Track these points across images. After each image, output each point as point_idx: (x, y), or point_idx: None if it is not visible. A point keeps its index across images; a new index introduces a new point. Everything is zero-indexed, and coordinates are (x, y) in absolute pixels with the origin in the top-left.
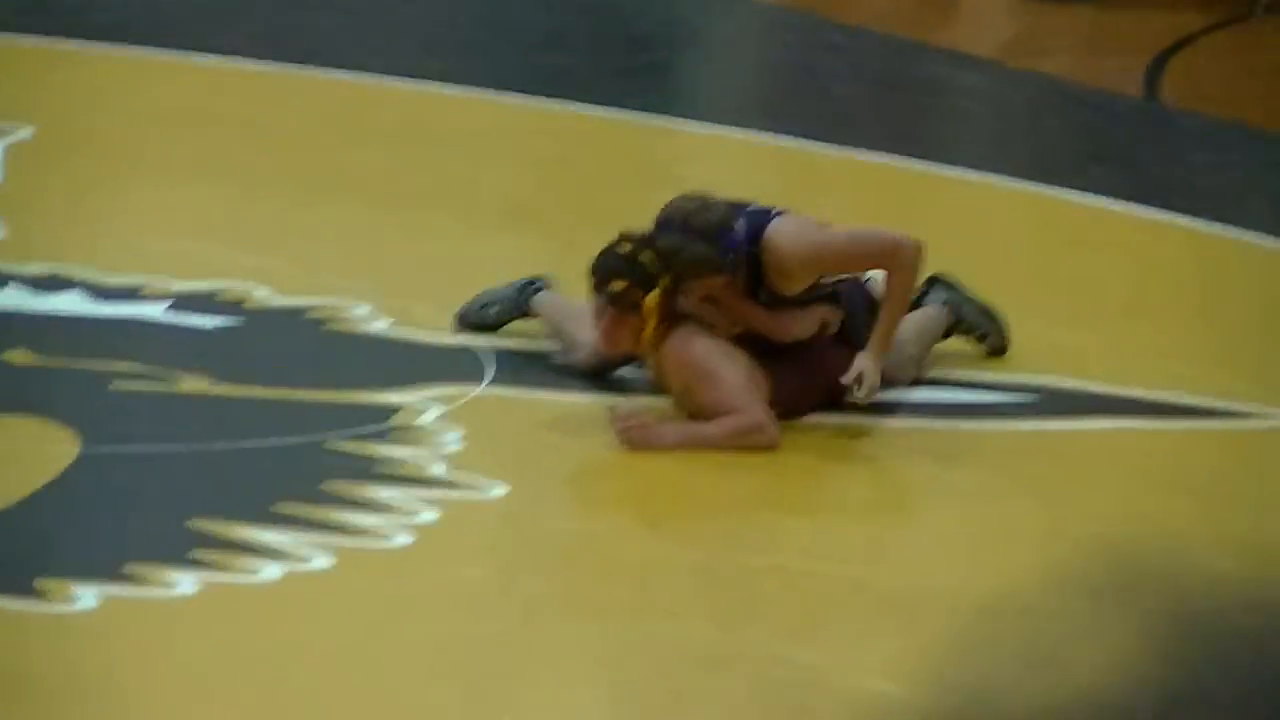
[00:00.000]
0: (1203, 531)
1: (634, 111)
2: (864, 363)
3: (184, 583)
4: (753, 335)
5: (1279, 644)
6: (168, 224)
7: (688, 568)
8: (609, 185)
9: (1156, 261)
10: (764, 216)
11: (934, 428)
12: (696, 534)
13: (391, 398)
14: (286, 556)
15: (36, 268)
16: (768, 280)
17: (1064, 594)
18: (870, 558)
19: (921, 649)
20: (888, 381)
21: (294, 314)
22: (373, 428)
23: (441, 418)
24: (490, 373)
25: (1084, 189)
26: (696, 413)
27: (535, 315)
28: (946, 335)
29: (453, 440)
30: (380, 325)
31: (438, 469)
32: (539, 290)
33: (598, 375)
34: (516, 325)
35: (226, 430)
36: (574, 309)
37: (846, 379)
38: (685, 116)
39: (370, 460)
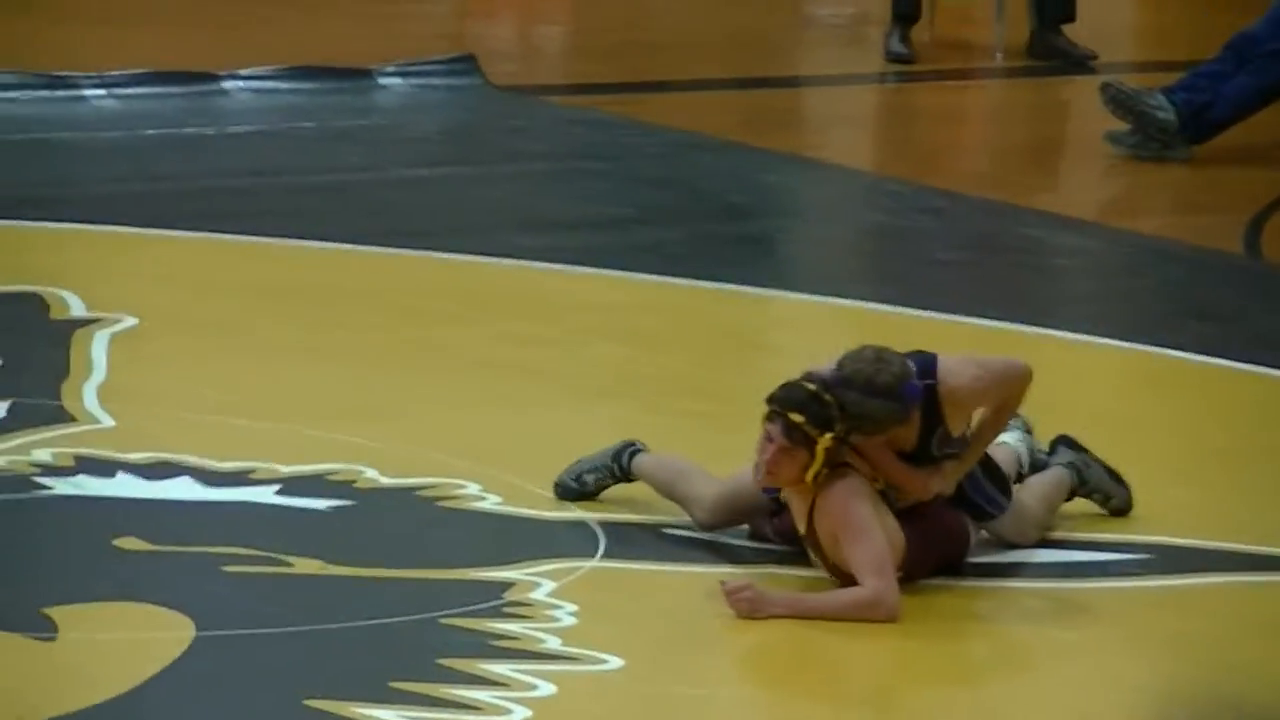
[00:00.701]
0: None
1: (732, 285)
2: (947, 466)
3: None
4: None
5: None
6: (273, 406)
7: None
8: (709, 356)
9: (1261, 416)
10: (929, 356)
11: (1053, 589)
12: (815, 700)
13: (504, 574)
14: None
15: (145, 455)
16: (943, 418)
17: None
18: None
19: None
20: (1010, 543)
21: (404, 493)
22: (486, 604)
23: (554, 592)
24: (602, 546)
25: (1185, 347)
26: (834, 560)
27: (637, 479)
28: (1070, 497)
29: (567, 614)
30: (490, 502)
31: (553, 643)
32: (636, 453)
33: (714, 530)
34: (624, 495)
35: (340, 611)
36: (683, 467)
37: (924, 483)
38: (783, 287)
39: (485, 636)
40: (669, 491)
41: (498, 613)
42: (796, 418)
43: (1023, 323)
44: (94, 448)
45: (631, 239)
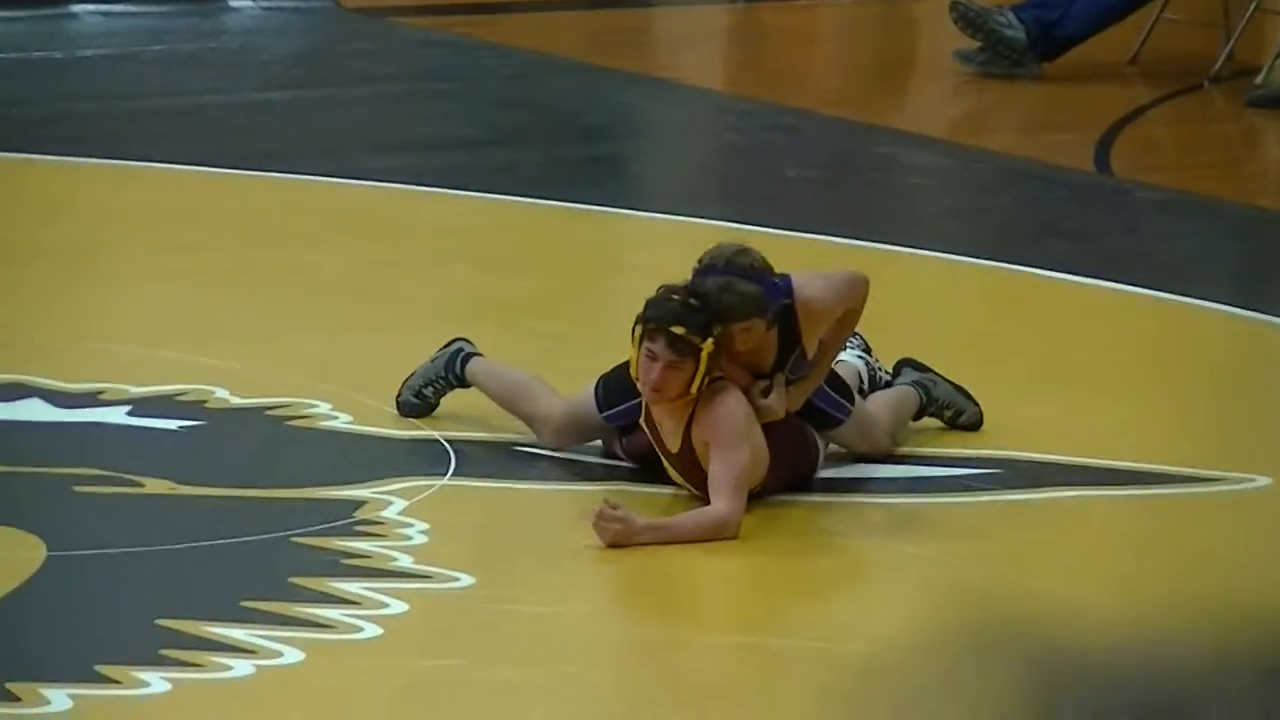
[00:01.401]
0: (1162, 592)
1: (585, 205)
2: (780, 381)
3: (156, 682)
4: None
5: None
6: (124, 328)
7: (656, 648)
8: (563, 277)
9: (1114, 333)
10: (784, 276)
11: (901, 503)
12: (662, 615)
13: (355, 492)
14: (257, 653)
15: None
16: (799, 338)
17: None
18: (825, 634)
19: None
20: (859, 455)
21: (254, 413)
22: (337, 523)
23: (405, 510)
24: (453, 464)
25: (1037, 264)
26: (698, 472)
27: (472, 385)
28: (919, 416)
29: (418, 532)
30: (340, 421)
31: (404, 561)
32: (468, 358)
33: (561, 450)
34: (474, 412)
35: (191, 531)
36: (521, 380)
37: (757, 388)
38: (636, 208)
39: (336, 554)
40: (512, 408)
41: (349, 531)
42: (678, 329)
43: (876, 241)
44: None
45: (484, 160)
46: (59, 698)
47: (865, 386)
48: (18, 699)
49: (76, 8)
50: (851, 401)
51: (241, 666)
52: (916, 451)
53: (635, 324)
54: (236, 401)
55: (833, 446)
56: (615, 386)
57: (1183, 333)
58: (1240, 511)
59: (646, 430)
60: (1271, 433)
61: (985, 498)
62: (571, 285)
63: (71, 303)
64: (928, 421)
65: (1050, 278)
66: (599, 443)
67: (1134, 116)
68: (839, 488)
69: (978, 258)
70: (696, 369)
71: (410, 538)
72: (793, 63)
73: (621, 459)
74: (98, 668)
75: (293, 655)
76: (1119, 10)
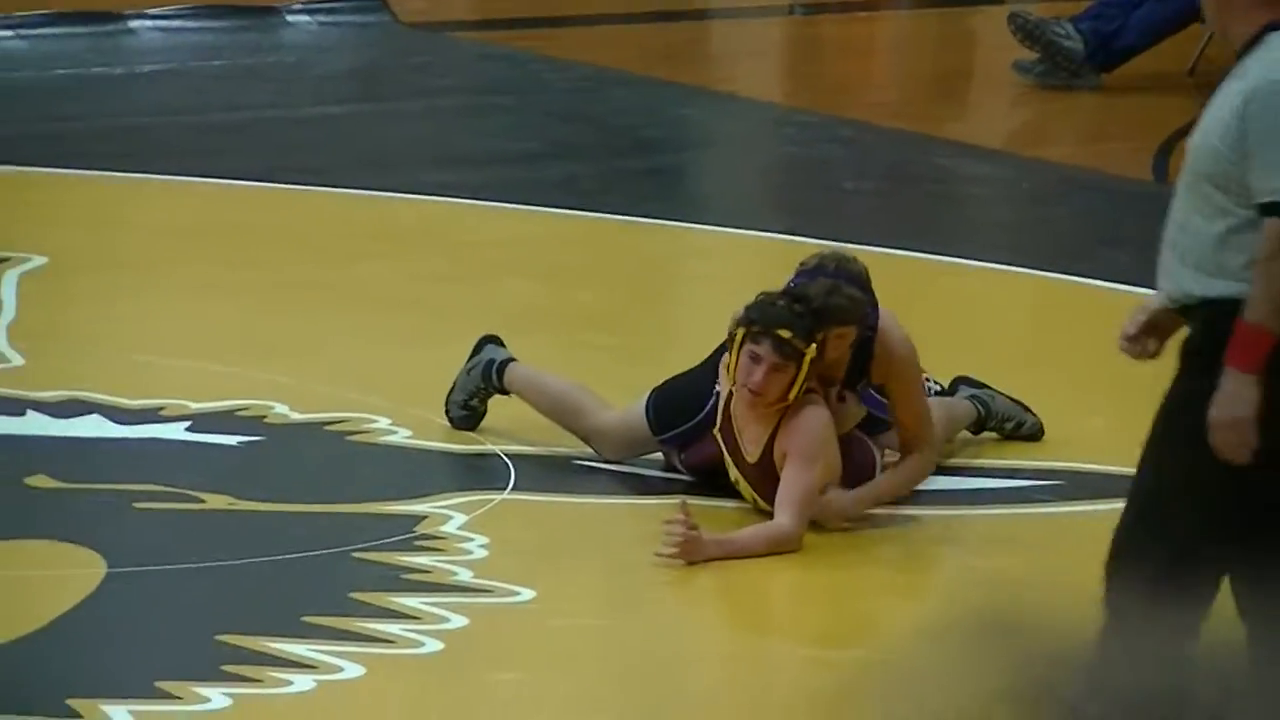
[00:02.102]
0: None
1: (643, 218)
2: (844, 500)
3: (216, 698)
4: None
5: None
6: (183, 344)
7: (718, 661)
8: (620, 290)
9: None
10: (875, 303)
11: (959, 514)
12: (725, 627)
13: (415, 507)
14: (317, 667)
15: (54, 394)
16: (869, 369)
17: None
18: (890, 646)
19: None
20: None
21: (314, 428)
22: (398, 537)
23: (466, 525)
24: (512, 478)
25: (1098, 275)
26: (771, 483)
27: (513, 393)
28: (978, 431)
29: (478, 547)
30: (399, 436)
31: (464, 575)
32: (504, 365)
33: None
34: (533, 425)
35: (251, 546)
36: (569, 399)
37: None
38: (694, 220)
39: (397, 569)
40: (564, 423)
41: (409, 546)
42: (784, 333)
43: (933, 252)
44: (3, 387)
45: (542, 174)
46: (120, 715)
47: None
48: (79, 716)
49: (134, 23)
50: None
51: (302, 681)
52: (974, 463)
53: (735, 327)
54: (295, 417)
55: (888, 454)
56: (669, 408)
57: None
58: None
59: (720, 440)
60: None
61: (1046, 509)
62: (629, 298)
63: (131, 318)
64: (987, 434)
65: (1109, 288)
66: (659, 455)
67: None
68: (900, 500)
69: (1036, 268)
70: (797, 374)
71: (470, 552)
72: (850, 74)
73: (681, 472)
74: (158, 684)
75: (353, 670)
76: (1177, 21)
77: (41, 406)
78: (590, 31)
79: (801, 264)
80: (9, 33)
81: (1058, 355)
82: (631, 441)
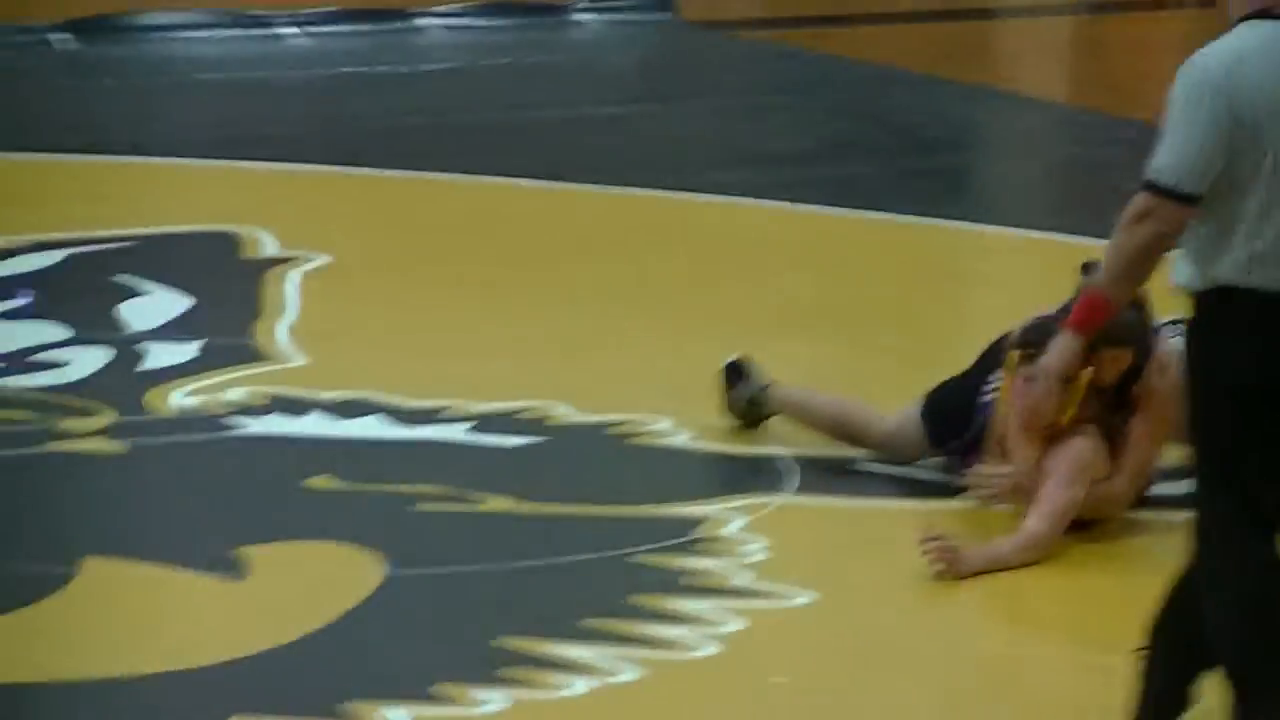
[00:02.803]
0: None
1: (925, 218)
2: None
3: (493, 700)
4: None
5: None
6: (466, 344)
7: (1000, 664)
8: (903, 290)
9: None
10: (1156, 326)
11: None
12: (1005, 631)
13: (695, 510)
14: (595, 671)
15: (337, 394)
16: (1133, 392)
17: None
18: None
19: None
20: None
21: (594, 430)
22: (677, 540)
23: (745, 528)
24: (793, 481)
25: None
26: (1027, 488)
27: (782, 414)
28: None
29: (758, 550)
30: (682, 438)
31: (743, 579)
32: (763, 392)
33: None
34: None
35: (531, 548)
36: (843, 414)
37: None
38: (977, 220)
39: (675, 573)
40: (845, 439)
41: (688, 549)
42: None
43: None
44: (286, 386)
45: (823, 173)
46: (399, 717)
47: None
48: (357, 719)
49: (421, 21)
50: None
51: (580, 685)
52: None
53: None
54: (577, 418)
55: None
56: (941, 419)
57: None
58: None
59: (996, 453)
60: None
61: None
62: (911, 298)
63: (413, 318)
64: None
65: None
66: (942, 460)
67: None
68: (1150, 502)
69: None
70: (1071, 394)
71: (751, 555)
72: (1134, 74)
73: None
74: (437, 686)
75: (631, 673)
76: None
77: (323, 406)
78: (874, 30)
79: (1084, 264)
80: (295, 29)
81: None
82: (911, 446)
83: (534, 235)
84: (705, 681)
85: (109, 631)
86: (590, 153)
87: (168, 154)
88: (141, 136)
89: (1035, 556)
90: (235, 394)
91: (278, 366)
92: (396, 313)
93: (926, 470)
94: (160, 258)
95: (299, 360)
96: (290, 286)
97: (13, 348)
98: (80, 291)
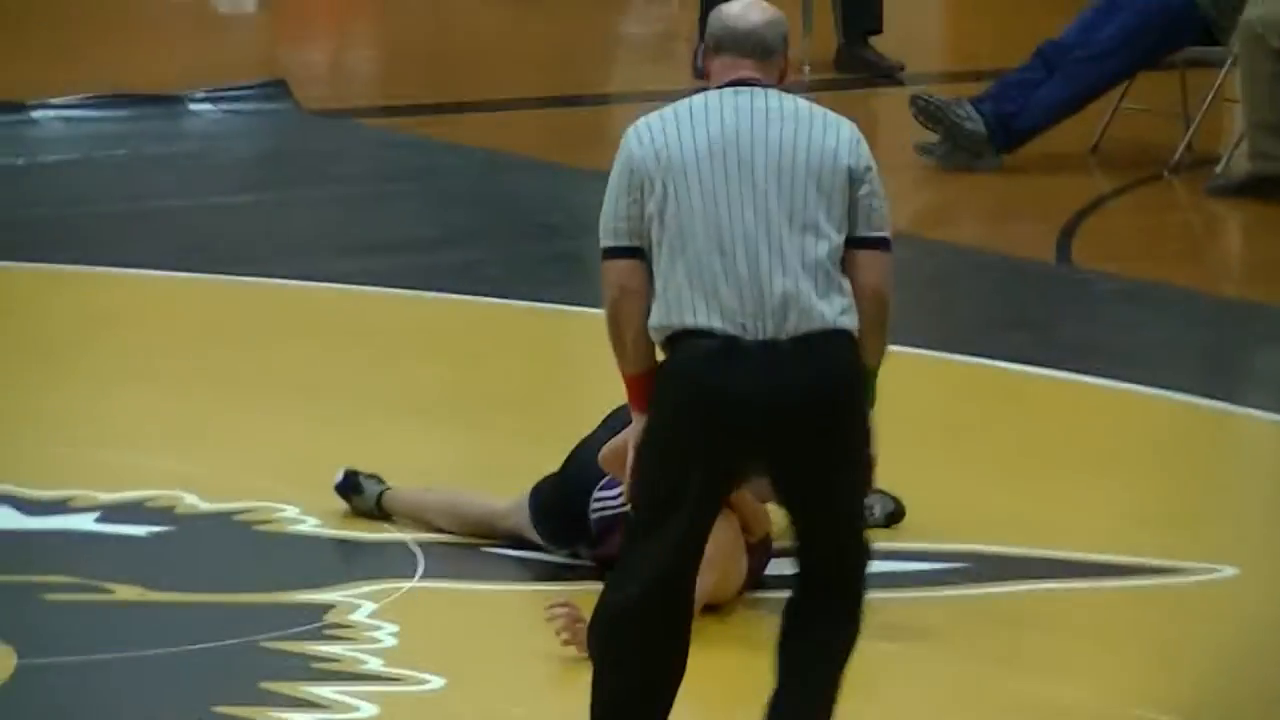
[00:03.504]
0: (1141, 688)
1: (547, 303)
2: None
3: None
4: None
5: None
6: (92, 433)
7: None
8: (527, 374)
9: (1076, 423)
10: None
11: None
12: None
13: (324, 596)
14: None
15: None
16: None
17: None
18: None
19: None
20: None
21: (223, 518)
22: (307, 626)
23: (375, 613)
24: (421, 566)
25: (1001, 355)
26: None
27: (394, 514)
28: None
29: (388, 635)
30: (309, 524)
31: (374, 664)
32: (381, 494)
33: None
34: None
35: (162, 637)
36: (459, 503)
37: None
38: (597, 304)
39: (307, 658)
40: (464, 527)
41: (319, 635)
42: None
43: None
44: None
45: (446, 260)
46: None
47: None
48: None
49: (37, 113)
50: None
51: None
52: (881, 547)
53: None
54: (204, 506)
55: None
56: (558, 525)
57: (1145, 422)
58: (1209, 602)
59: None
60: (1234, 521)
61: (955, 592)
62: (534, 383)
63: (42, 408)
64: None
65: (1012, 369)
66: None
67: (1095, 206)
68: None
69: (939, 350)
70: None
71: (380, 640)
72: None
73: (582, 559)
74: None
75: None
76: (1077, 101)
77: None
78: (491, 117)
79: None
80: None
81: (961, 436)
82: (529, 529)
83: (160, 326)
84: None
85: None
86: (213, 242)
87: None
88: None
89: None
90: None
91: None
92: (24, 404)
93: (553, 554)
94: None
95: None
96: None
97: None
98: None
